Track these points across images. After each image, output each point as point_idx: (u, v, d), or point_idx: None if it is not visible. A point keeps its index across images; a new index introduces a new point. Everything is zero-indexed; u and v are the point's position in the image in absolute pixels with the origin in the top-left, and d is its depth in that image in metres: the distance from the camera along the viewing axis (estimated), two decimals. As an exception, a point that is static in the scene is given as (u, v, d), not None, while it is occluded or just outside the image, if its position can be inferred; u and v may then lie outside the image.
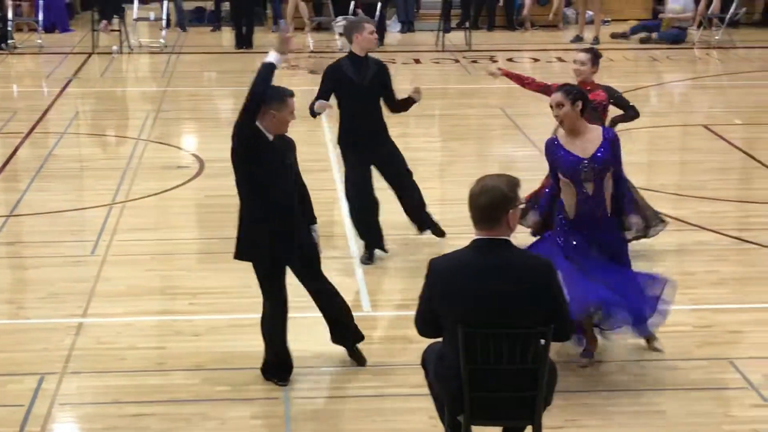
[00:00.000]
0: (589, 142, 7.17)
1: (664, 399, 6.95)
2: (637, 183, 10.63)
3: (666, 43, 20.57)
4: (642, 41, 20.99)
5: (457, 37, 20.62)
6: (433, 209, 9.74)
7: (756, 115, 15.13)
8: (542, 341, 5.41)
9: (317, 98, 9.08)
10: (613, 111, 9.04)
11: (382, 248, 9.37)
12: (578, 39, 20.68)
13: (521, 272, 5.38)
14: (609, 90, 8.96)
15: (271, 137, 6.86)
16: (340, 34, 20.56)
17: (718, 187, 11.52)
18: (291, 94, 6.89)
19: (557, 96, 7.19)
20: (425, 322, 5.59)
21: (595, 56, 8.96)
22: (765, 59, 19.62)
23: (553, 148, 7.25)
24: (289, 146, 7.03)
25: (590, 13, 21.13)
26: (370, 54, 9.19)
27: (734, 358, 7.45)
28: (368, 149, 9.21)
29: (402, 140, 12.99)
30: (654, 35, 21.11)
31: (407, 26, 22.31)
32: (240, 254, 7.12)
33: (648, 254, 9.38)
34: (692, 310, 8.30)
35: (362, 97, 9.09)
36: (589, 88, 9.06)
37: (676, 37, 20.80)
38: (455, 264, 5.44)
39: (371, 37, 9.10)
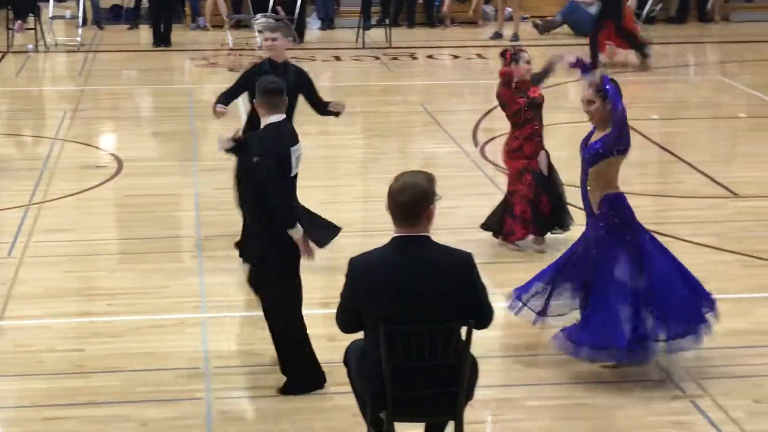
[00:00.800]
0: (603, 132, 7.24)
1: (587, 392, 7.01)
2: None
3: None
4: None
5: (377, 34, 20.63)
6: (356, 206, 9.75)
7: (672, 110, 15.34)
8: (464, 336, 5.43)
9: (225, 95, 9.05)
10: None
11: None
12: (497, 35, 20.80)
13: (442, 267, 5.40)
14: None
15: None
16: (260, 32, 20.49)
17: (637, 181, 11.64)
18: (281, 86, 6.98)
19: (588, 93, 7.20)
20: (346, 320, 5.59)
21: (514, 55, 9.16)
22: (681, 55, 19.92)
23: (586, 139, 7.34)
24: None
25: (509, 9, 21.26)
26: (289, 60, 9.13)
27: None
28: None
29: (323, 138, 13.07)
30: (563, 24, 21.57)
31: (327, 23, 22.28)
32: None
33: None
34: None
35: None
36: (523, 88, 9.19)
37: (582, 18, 21.11)
38: (376, 262, 5.44)
39: (267, 44, 9.07)
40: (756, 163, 12.36)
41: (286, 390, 6.98)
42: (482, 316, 5.50)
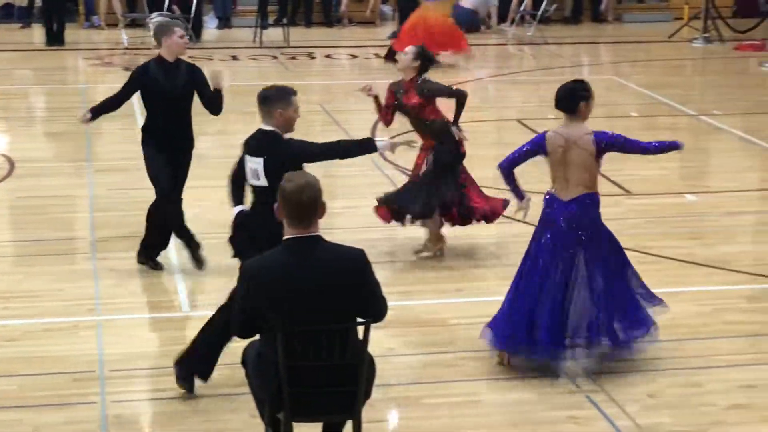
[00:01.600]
0: None
1: (482, 388, 7.08)
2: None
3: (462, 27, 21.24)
4: None
5: (275, 34, 20.55)
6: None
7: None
8: (361, 335, 5.44)
9: (115, 99, 8.89)
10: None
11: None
12: (395, 35, 20.84)
13: (336, 266, 5.40)
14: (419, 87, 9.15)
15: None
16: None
17: (535, 180, 11.74)
18: (294, 93, 6.95)
19: None
20: (242, 324, 5.55)
21: (423, 55, 9.16)
22: (575, 54, 20.20)
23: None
24: None
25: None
26: (181, 58, 8.91)
27: (550, 346, 7.61)
28: (172, 154, 8.96)
29: (222, 138, 12.98)
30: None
31: (224, 22, 22.14)
32: None
33: (470, 248, 9.54)
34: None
35: (172, 104, 8.79)
36: (408, 87, 9.18)
37: (469, 17, 21.39)
38: (270, 265, 5.42)
39: (181, 42, 8.82)
40: (648, 161, 12.51)
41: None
42: (377, 311, 5.52)
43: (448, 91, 9.36)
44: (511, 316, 7.24)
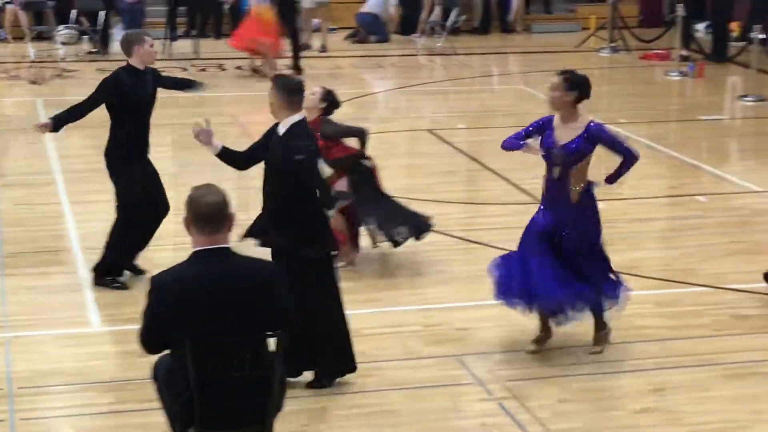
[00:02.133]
0: (573, 129, 7.42)
1: (396, 398, 7.09)
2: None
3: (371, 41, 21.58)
4: (354, 40, 21.86)
5: (184, 45, 20.43)
6: (167, 219, 9.58)
7: (478, 119, 15.66)
8: (273, 347, 5.42)
9: (83, 108, 8.87)
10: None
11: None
12: (306, 47, 20.85)
13: (246, 278, 5.38)
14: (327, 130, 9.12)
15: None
16: (63, 43, 20.04)
17: (445, 189, 11.86)
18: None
19: (557, 79, 7.44)
20: (151, 340, 5.50)
21: (329, 94, 9.11)
22: (484, 65, 20.38)
23: (545, 125, 7.55)
24: None
25: (317, 21, 21.36)
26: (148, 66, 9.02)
27: (461, 355, 7.67)
28: (144, 163, 9.02)
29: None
30: (372, 38, 21.96)
31: (133, 35, 21.92)
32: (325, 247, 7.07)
33: (383, 257, 9.57)
34: (421, 309, 8.52)
35: (145, 113, 8.93)
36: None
37: (373, 22, 21.89)
38: (179, 277, 5.38)
39: (152, 51, 8.94)
40: (557, 170, 12.71)
41: (319, 381, 7.10)
42: (288, 324, 5.51)
43: (348, 132, 9.35)
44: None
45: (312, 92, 9.04)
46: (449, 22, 21.73)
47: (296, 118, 7.03)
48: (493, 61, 20.93)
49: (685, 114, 16.29)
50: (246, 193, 10.28)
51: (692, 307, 8.60)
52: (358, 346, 7.75)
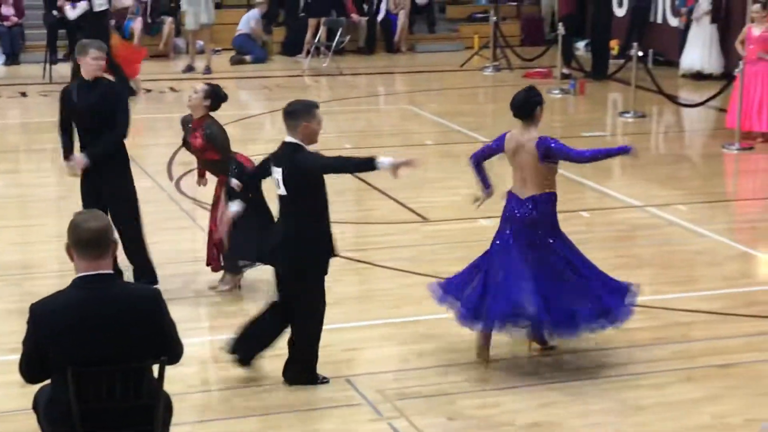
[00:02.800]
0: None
1: (282, 422, 7.04)
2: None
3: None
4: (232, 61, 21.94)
5: (65, 69, 20.12)
6: (49, 246, 9.46)
7: (364, 138, 15.70)
8: (156, 374, 5.34)
9: (60, 127, 9.06)
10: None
11: None
12: (190, 69, 20.74)
13: (128, 305, 5.29)
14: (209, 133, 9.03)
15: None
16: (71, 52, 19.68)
17: (333, 209, 11.78)
18: (317, 106, 7.37)
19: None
20: (32, 369, 5.39)
21: (213, 93, 9.04)
22: (370, 85, 20.48)
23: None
24: None
25: (200, 43, 21.25)
26: (103, 77, 9.04)
27: (350, 375, 7.66)
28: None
29: (12, 176, 12.64)
30: (248, 58, 21.98)
31: (12, 59, 21.55)
32: (315, 261, 7.33)
33: (270, 281, 9.50)
34: (310, 331, 8.47)
35: (84, 122, 8.96)
36: (196, 127, 9.08)
37: (246, 42, 22.12)
38: (59, 305, 5.26)
39: (94, 63, 8.89)
40: (443, 188, 12.82)
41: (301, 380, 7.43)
42: (173, 353, 5.43)
43: (225, 151, 9.07)
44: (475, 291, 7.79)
45: (195, 90, 9.05)
46: (334, 43, 21.80)
47: (289, 140, 7.29)
48: (378, 80, 21.04)
49: (567, 131, 16.51)
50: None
51: (577, 321, 8.70)
52: (248, 371, 7.71)
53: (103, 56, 9.02)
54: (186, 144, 9.26)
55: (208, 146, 9.03)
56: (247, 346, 7.53)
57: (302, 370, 7.46)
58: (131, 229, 9.13)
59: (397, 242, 10.83)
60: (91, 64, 8.89)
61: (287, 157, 7.23)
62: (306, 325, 7.41)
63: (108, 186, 9.06)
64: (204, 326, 8.79)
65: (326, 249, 7.40)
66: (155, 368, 5.36)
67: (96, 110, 8.91)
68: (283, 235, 7.31)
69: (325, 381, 7.49)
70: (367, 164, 7.28)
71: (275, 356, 7.70)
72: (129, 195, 9.19)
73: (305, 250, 7.27)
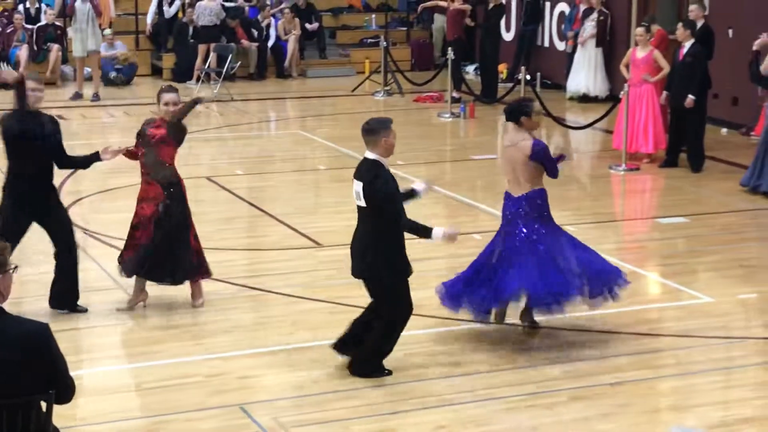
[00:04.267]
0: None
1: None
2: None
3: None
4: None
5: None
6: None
7: (256, 165, 15.67)
8: (44, 409, 5.24)
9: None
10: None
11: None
12: (78, 96, 20.50)
13: (16, 339, 5.15)
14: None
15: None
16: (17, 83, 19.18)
17: (226, 237, 11.79)
18: (391, 121, 8.02)
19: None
20: None
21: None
22: (262, 110, 20.43)
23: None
24: None
25: (88, 69, 21.00)
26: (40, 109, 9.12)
27: (245, 403, 7.60)
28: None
29: None
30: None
31: None
32: (389, 266, 7.93)
33: (168, 306, 9.42)
34: (204, 359, 8.41)
35: (20, 152, 9.07)
36: (159, 123, 9.13)
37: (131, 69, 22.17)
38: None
39: (32, 94, 9.02)
40: (337, 213, 12.83)
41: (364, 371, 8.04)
42: (63, 390, 5.31)
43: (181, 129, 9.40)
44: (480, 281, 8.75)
45: (174, 103, 9.21)
46: (224, 69, 21.72)
47: (369, 156, 7.91)
48: (270, 106, 21.01)
49: (458, 154, 16.71)
50: (20, 248, 10.02)
51: (472, 343, 8.78)
52: (140, 401, 7.62)
53: (41, 87, 9.22)
54: (143, 138, 9.27)
55: (169, 142, 9.21)
56: (347, 346, 8.22)
57: (371, 361, 8.08)
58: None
59: (291, 268, 10.80)
60: (30, 95, 9.03)
61: (366, 173, 7.84)
62: (387, 323, 8.02)
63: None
64: (95, 356, 8.66)
65: (400, 255, 7.98)
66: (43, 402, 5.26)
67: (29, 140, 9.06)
68: (361, 243, 7.99)
69: (388, 373, 8.06)
70: (423, 232, 7.89)
71: (165, 388, 7.61)
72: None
73: (380, 257, 7.88)
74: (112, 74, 22.30)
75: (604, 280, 8.78)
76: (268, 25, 23.78)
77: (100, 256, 10.68)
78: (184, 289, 9.53)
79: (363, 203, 7.85)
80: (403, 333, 8.34)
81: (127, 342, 8.89)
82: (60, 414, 5.37)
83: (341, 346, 8.21)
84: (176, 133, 9.28)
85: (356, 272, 8.05)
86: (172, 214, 9.23)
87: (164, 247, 9.20)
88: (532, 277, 8.53)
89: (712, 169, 15.05)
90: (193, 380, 8.01)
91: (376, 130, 7.88)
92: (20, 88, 9.07)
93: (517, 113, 8.75)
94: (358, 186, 7.85)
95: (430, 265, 10.85)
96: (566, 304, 8.60)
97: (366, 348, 8.08)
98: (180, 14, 23.60)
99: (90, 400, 7.59)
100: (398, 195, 7.92)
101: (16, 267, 5.25)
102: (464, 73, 21.95)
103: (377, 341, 8.05)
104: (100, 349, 8.83)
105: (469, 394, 7.81)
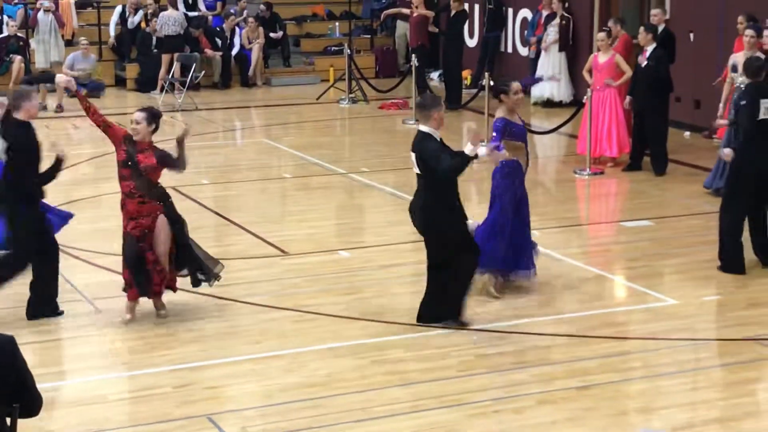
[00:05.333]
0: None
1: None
2: (113, 248, 10.62)
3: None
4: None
5: None
6: None
7: (222, 174, 15.62)
8: (8, 422, 5.20)
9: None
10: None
11: None
12: (41, 107, 20.32)
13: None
14: (161, 154, 9.35)
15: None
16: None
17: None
18: (442, 99, 9.51)
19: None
20: None
21: (153, 116, 9.31)
22: (227, 119, 20.36)
23: (509, 124, 9.82)
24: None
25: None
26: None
27: (212, 413, 7.58)
28: None
29: None
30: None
31: None
32: (443, 224, 8.99)
33: (137, 318, 9.38)
34: (171, 370, 8.38)
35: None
36: (145, 147, 9.09)
37: (97, 86, 21.96)
38: None
39: (34, 111, 9.37)
40: (302, 221, 12.84)
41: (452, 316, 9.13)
42: (30, 403, 5.26)
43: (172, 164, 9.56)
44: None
45: (136, 122, 9.30)
46: (189, 78, 21.65)
47: (422, 128, 8.96)
48: (234, 115, 20.95)
49: (424, 160, 16.72)
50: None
51: (439, 349, 8.79)
52: (107, 412, 7.58)
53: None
54: (133, 164, 9.25)
55: (159, 167, 9.29)
56: (430, 310, 9.18)
57: (450, 309, 9.12)
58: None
59: (258, 277, 10.78)
60: (37, 108, 9.46)
61: (418, 143, 8.87)
62: (456, 274, 9.05)
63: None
64: (58, 370, 8.61)
65: (451, 213, 8.99)
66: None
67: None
68: (419, 205, 9.04)
69: (464, 325, 9.11)
70: (464, 157, 8.76)
71: (131, 399, 7.58)
72: None
73: (432, 217, 8.94)
74: (83, 91, 22.20)
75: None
76: (233, 34, 23.73)
77: (65, 269, 10.61)
78: (148, 300, 9.48)
79: (417, 170, 8.95)
80: (369, 340, 8.36)
81: (93, 354, 8.84)
82: (26, 427, 5.33)
83: (426, 312, 9.19)
84: (163, 158, 9.40)
85: (420, 228, 9.15)
86: (176, 220, 9.40)
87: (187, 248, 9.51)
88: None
89: (675, 172, 15.14)
90: (160, 391, 7.97)
91: (429, 105, 8.95)
92: None
93: (497, 91, 9.98)
94: (412, 156, 8.91)
95: (395, 272, 10.88)
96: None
97: (447, 298, 9.12)
98: (143, 24, 23.51)
99: (57, 414, 7.54)
100: (444, 155, 8.79)
101: None
102: (429, 80, 21.98)
103: (457, 290, 9.10)
104: (67, 362, 8.78)
105: (437, 400, 7.82)
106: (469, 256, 9.08)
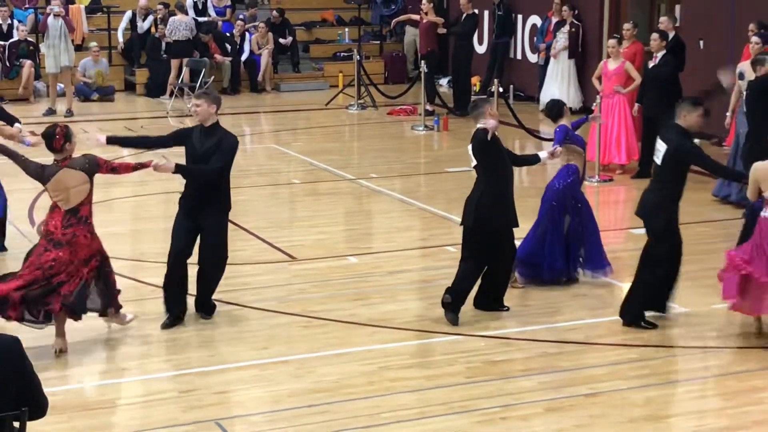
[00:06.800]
0: None
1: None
2: (123, 252, 10.65)
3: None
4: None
5: None
6: None
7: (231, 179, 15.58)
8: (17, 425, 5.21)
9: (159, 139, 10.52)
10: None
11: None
12: (51, 112, 20.41)
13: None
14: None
15: None
16: None
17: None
18: (490, 99, 11.14)
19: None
20: None
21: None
22: (236, 125, 20.29)
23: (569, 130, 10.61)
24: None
25: (61, 85, 20.94)
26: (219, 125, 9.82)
27: (220, 418, 7.58)
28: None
29: None
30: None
31: None
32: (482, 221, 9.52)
33: (142, 321, 9.37)
34: (177, 375, 8.39)
35: None
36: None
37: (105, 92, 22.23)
38: None
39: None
40: (311, 227, 12.84)
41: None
42: (36, 407, 5.27)
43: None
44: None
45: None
46: (198, 84, 21.67)
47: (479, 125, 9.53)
48: (243, 120, 20.97)
49: (433, 167, 16.72)
50: None
51: (446, 355, 8.79)
52: (115, 417, 7.58)
53: None
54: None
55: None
56: (484, 303, 9.79)
57: (497, 296, 9.80)
58: None
59: (266, 282, 10.78)
60: None
61: (474, 138, 9.43)
62: (503, 265, 9.73)
63: None
64: (61, 375, 8.61)
65: (505, 206, 9.59)
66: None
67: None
68: (473, 198, 9.61)
69: (506, 309, 9.81)
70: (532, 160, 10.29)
71: (138, 404, 7.55)
72: None
73: (489, 209, 9.49)
74: (95, 96, 22.29)
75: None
76: (242, 39, 23.76)
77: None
78: (159, 305, 9.49)
79: (474, 162, 9.54)
80: (376, 346, 8.34)
81: (101, 358, 8.84)
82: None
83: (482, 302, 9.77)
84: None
85: (468, 222, 9.58)
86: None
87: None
88: None
89: (684, 180, 15.09)
90: (167, 396, 7.98)
91: (480, 105, 9.59)
92: None
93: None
94: (470, 150, 9.50)
95: (401, 278, 10.88)
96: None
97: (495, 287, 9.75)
98: (153, 29, 23.55)
99: (64, 418, 7.55)
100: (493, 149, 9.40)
101: None
102: (437, 86, 21.97)
103: (502, 281, 9.77)
104: (74, 366, 8.78)
105: (443, 407, 7.81)
106: (510, 251, 9.74)
